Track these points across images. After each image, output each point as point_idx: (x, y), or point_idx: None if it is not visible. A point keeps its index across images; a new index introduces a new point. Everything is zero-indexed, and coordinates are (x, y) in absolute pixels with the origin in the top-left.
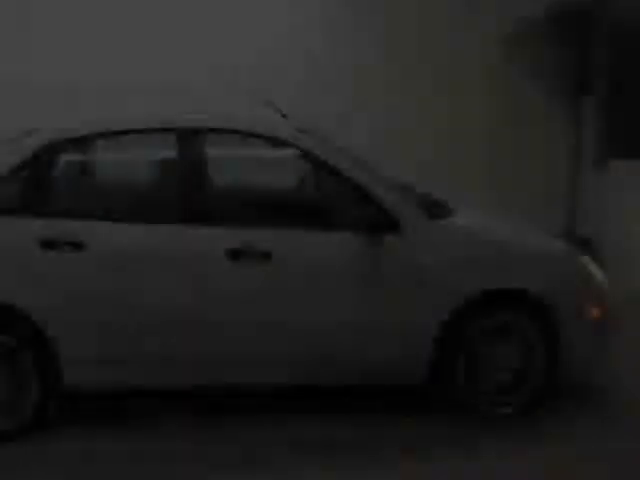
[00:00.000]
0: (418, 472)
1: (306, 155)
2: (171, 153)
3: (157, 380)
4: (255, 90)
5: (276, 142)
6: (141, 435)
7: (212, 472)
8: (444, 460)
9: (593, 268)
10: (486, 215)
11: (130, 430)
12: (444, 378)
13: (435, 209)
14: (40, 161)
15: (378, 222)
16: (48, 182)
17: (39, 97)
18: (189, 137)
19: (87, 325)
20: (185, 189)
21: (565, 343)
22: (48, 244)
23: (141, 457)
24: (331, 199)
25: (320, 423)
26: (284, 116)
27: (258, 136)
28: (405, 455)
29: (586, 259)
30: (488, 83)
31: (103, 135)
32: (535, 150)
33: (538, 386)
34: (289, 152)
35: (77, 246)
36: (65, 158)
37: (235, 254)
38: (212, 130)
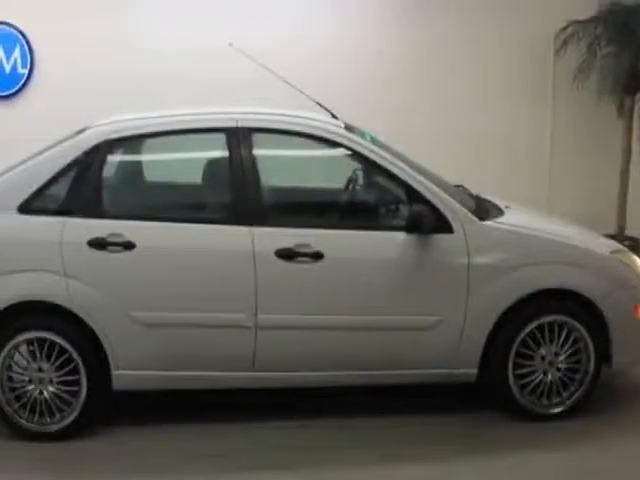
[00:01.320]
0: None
1: (356, 155)
2: (222, 153)
3: (206, 381)
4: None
5: (327, 142)
6: (192, 432)
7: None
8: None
9: None
10: (536, 215)
11: (178, 427)
12: (494, 378)
13: (485, 210)
14: (90, 161)
15: (429, 223)
16: (98, 182)
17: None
18: (239, 137)
19: (136, 325)
20: (235, 189)
21: (614, 342)
22: (97, 244)
23: (194, 455)
24: (382, 199)
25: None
26: (334, 116)
27: (309, 136)
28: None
29: (635, 259)
30: (539, 82)
31: (153, 135)
32: (585, 150)
33: (588, 385)
34: (340, 152)
35: (127, 246)
36: (115, 158)
37: (286, 254)
38: (263, 130)
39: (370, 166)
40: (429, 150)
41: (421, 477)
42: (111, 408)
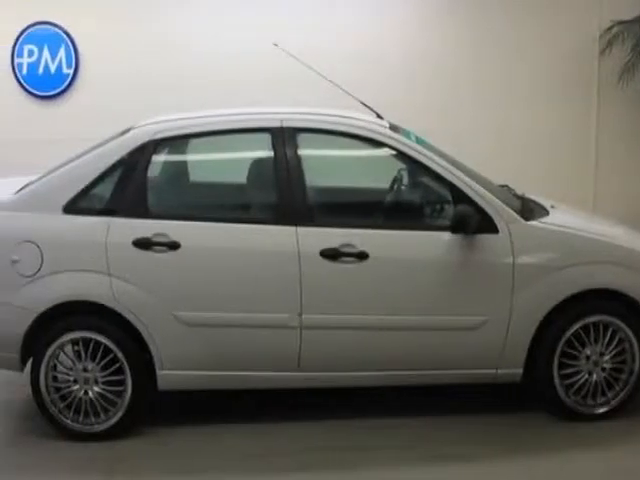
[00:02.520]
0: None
1: (401, 155)
2: (267, 153)
3: (250, 381)
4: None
5: (372, 142)
6: (236, 432)
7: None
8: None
9: None
10: (581, 215)
11: (221, 427)
12: (539, 378)
13: (530, 210)
14: (135, 161)
15: (474, 223)
16: (143, 182)
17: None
18: (284, 137)
19: (180, 325)
20: (280, 189)
21: None
22: (142, 244)
23: (238, 455)
24: (427, 199)
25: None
26: (379, 116)
27: (354, 136)
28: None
29: None
30: (584, 82)
31: (198, 135)
32: (631, 149)
33: (633, 385)
34: (385, 152)
35: (172, 246)
36: (160, 158)
37: (331, 254)
38: (308, 130)
39: (415, 166)
40: (473, 150)
41: (464, 477)
42: (156, 408)
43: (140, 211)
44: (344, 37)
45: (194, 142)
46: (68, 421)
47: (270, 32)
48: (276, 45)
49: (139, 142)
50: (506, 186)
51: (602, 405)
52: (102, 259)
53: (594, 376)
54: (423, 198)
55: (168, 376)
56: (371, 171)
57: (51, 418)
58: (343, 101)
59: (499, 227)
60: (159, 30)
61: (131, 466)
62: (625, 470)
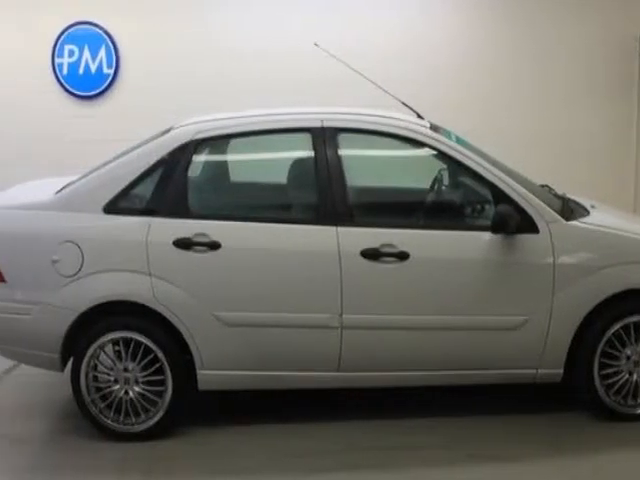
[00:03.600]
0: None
1: (442, 155)
2: (307, 153)
3: (291, 381)
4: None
5: (412, 142)
6: (276, 432)
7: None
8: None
9: None
10: (622, 215)
11: (262, 427)
12: (580, 378)
13: (571, 210)
14: (176, 161)
15: (515, 223)
16: (184, 182)
17: None
18: (325, 137)
19: (221, 325)
20: (321, 189)
21: None
22: (183, 244)
23: (278, 454)
24: (467, 199)
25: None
26: (419, 116)
27: (395, 136)
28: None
29: None
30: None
31: (238, 135)
32: None
33: None
34: (425, 152)
35: (212, 246)
36: (200, 158)
37: (371, 254)
38: (349, 130)
39: (455, 166)
40: (513, 150)
41: (502, 478)
42: (196, 408)
43: (181, 211)
44: (384, 37)
45: (235, 142)
46: (108, 421)
47: (311, 32)
48: (317, 45)
49: (180, 142)
50: (546, 186)
51: None
52: (143, 259)
53: (634, 376)
54: (463, 198)
55: (209, 376)
56: (412, 171)
57: (91, 418)
58: (384, 101)
59: (539, 227)
60: (199, 30)
61: (170, 466)
62: None
